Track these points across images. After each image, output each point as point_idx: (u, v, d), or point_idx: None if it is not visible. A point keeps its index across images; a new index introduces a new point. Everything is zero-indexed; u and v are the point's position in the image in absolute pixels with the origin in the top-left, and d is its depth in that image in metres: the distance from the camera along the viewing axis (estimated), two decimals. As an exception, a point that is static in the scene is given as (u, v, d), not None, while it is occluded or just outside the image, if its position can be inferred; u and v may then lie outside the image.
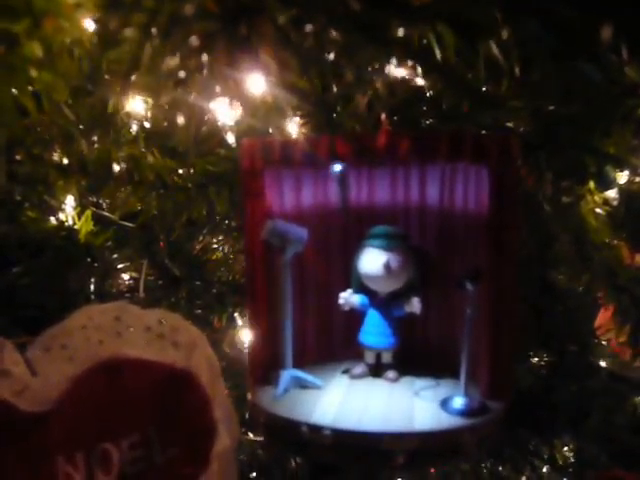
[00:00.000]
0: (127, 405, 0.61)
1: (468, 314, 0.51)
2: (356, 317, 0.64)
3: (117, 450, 0.58)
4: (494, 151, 0.51)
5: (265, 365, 0.58)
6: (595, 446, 0.76)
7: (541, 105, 0.67)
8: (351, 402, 0.54)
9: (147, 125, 0.85)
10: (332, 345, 0.65)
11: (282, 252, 0.56)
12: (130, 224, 0.96)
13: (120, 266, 0.94)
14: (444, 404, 0.53)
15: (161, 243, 0.96)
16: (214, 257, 0.92)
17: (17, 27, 0.42)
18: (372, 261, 0.57)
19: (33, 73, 0.43)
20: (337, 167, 0.54)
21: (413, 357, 0.61)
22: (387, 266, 0.56)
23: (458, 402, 0.52)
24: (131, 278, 0.92)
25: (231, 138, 0.73)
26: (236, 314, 0.92)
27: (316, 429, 0.50)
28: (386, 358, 0.60)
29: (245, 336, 0.89)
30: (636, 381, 0.80)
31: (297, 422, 0.51)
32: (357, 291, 0.60)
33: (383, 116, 0.57)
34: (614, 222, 0.77)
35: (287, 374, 0.57)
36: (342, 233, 0.63)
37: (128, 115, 0.81)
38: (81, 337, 0.62)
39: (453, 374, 0.59)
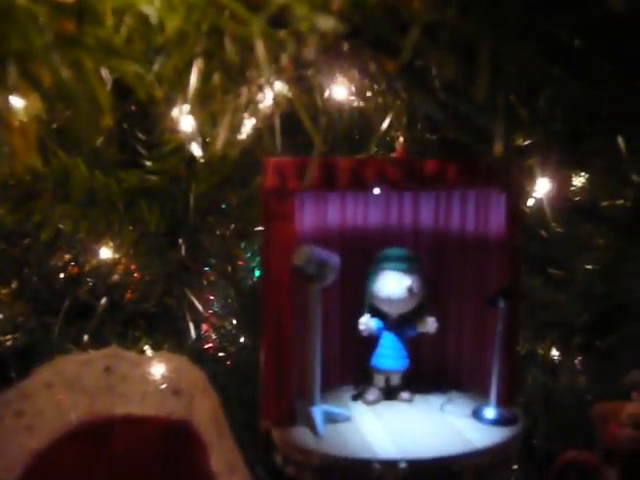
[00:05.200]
0: (118, 472, 0.51)
1: (499, 330, 0.55)
2: (349, 342, 0.63)
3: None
4: (515, 178, 0.56)
5: (290, 403, 0.54)
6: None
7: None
8: (393, 430, 0.53)
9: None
10: (328, 373, 0.62)
11: (315, 280, 0.52)
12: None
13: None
14: (477, 417, 0.55)
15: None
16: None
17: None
18: (393, 284, 0.57)
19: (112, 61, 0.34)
20: (376, 191, 0.53)
21: (412, 376, 0.62)
22: (410, 289, 0.57)
23: (490, 413, 0.55)
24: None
25: (197, 151, 0.65)
26: (146, 347, 0.82)
27: (390, 464, 0.48)
28: (395, 380, 0.60)
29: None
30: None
31: (367, 460, 0.48)
32: (371, 315, 0.59)
33: (401, 139, 0.57)
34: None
35: (319, 410, 0.53)
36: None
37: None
38: (45, 399, 0.50)
39: (454, 387, 0.62)
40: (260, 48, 0.36)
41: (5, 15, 0.29)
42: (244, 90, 0.42)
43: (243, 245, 0.90)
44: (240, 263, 0.96)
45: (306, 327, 0.53)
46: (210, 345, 0.92)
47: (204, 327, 0.90)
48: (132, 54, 0.35)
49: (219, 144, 0.45)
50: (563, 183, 0.89)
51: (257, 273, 1.00)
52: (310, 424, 0.52)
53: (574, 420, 0.85)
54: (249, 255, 0.97)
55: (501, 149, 0.41)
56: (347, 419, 0.55)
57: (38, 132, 0.39)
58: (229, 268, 0.88)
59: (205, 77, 0.41)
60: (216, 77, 0.41)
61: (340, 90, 0.56)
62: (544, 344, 0.91)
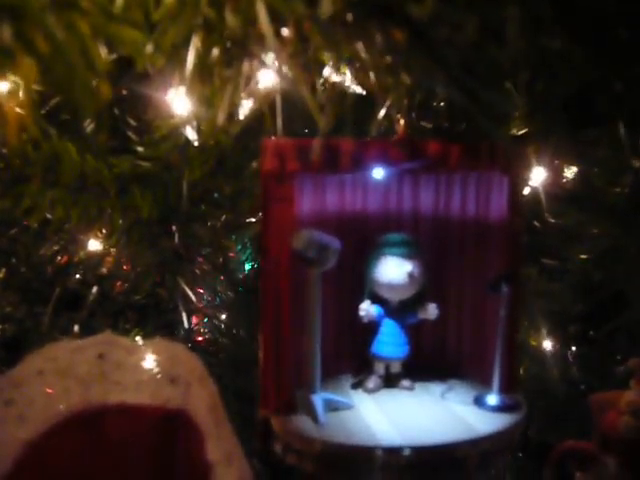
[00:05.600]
0: (112, 462, 0.49)
1: (502, 315, 0.54)
2: (346, 330, 0.62)
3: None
4: (517, 161, 0.55)
5: (290, 391, 0.52)
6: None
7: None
8: (395, 417, 0.52)
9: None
10: (325, 361, 0.61)
11: (316, 264, 0.51)
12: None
13: None
14: (479, 404, 0.55)
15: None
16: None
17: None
18: (395, 270, 0.56)
19: (111, 27, 0.33)
20: (378, 174, 0.52)
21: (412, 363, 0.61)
22: (411, 274, 0.56)
23: (493, 400, 0.54)
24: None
25: (192, 134, 0.64)
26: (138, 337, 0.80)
27: (394, 451, 0.47)
28: (395, 367, 0.59)
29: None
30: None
31: (371, 447, 0.47)
32: (372, 301, 0.58)
33: (401, 121, 0.56)
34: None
35: (319, 398, 0.52)
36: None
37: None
38: (36, 387, 0.48)
39: (454, 375, 0.61)
40: (262, 14, 0.34)
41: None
42: (245, 64, 0.41)
43: (234, 237, 0.89)
44: (231, 255, 0.95)
45: (306, 313, 0.52)
46: (202, 338, 0.91)
47: (195, 319, 0.89)
48: (131, 21, 0.33)
49: (220, 120, 0.44)
50: (558, 171, 0.88)
51: (248, 266, 0.99)
52: (311, 412, 0.51)
53: (567, 410, 0.85)
54: (240, 247, 0.96)
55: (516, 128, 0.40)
56: (348, 407, 0.54)
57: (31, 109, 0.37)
58: (220, 259, 0.87)
59: (204, 51, 0.39)
60: (215, 51, 0.40)
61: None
62: (537, 334, 0.90)
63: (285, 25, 0.38)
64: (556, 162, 0.86)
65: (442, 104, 0.65)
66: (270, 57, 0.41)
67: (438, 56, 0.35)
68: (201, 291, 0.89)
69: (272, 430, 0.52)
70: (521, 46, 0.27)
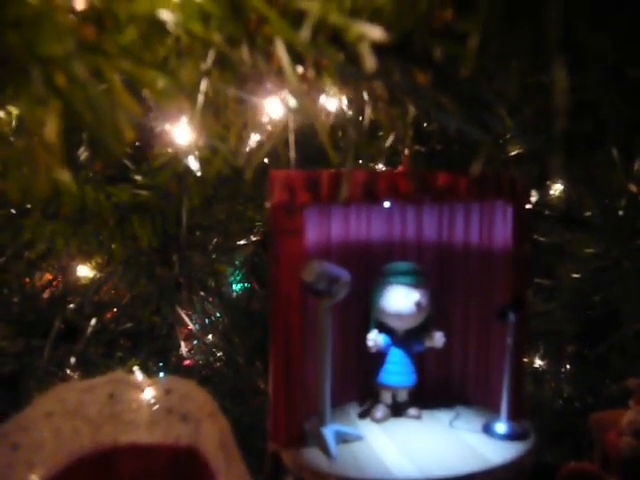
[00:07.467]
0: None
1: (509, 343, 0.54)
2: (352, 358, 0.62)
3: None
4: (521, 190, 0.56)
5: (301, 424, 0.52)
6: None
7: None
8: (407, 448, 0.52)
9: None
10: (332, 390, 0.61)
11: (326, 296, 0.50)
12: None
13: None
14: (488, 432, 0.55)
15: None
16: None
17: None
18: (402, 299, 0.56)
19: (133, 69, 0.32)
20: (386, 204, 0.52)
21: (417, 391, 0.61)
22: (419, 304, 0.56)
23: (502, 428, 0.55)
24: None
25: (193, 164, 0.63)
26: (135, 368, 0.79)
27: (411, 485, 0.47)
28: (402, 396, 0.59)
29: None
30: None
31: (389, 482, 0.47)
32: (378, 330, 0.57)
33: (406, 151, 0.57)
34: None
35: (330, 430, 0.51)
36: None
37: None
38: (45, 430, 0.47)
39: (460, 402, 0.61)
40: (282, 53, 0.34)
41: (29, 20, 0.27)
42: (260, 102, 0.41)
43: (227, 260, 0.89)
44: (224, 279, 0.94)
45: (316, 344, 0.51)
46: (194, 363, 0.90)
47: (188, 345, 0.88)
48: (153, 62, 0.33)
49: (241, 159, 0.43)
50: (548, 192, 0.89)
51: (237, 287, 0.99)
52: (322, 445, 0.51)
53: (563, 429, 0.85)
54: (231, 270, 0.96)
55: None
56: (358, 438, 0.53)
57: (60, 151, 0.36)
58: (212, 283, 0.86)
59: (219, 87, 0.39)
60: (230, 87, 0.40)
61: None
62: (533, 354, 0.91)
63: (300, 62, 0.38)
64: (547, 183, 0.87)
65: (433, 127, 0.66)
66: (285, 93, 0.41)
67: (459, 95, 0.35)
68: (190, 314, 0.88)
69: (282, 464, 0.51)
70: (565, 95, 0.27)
